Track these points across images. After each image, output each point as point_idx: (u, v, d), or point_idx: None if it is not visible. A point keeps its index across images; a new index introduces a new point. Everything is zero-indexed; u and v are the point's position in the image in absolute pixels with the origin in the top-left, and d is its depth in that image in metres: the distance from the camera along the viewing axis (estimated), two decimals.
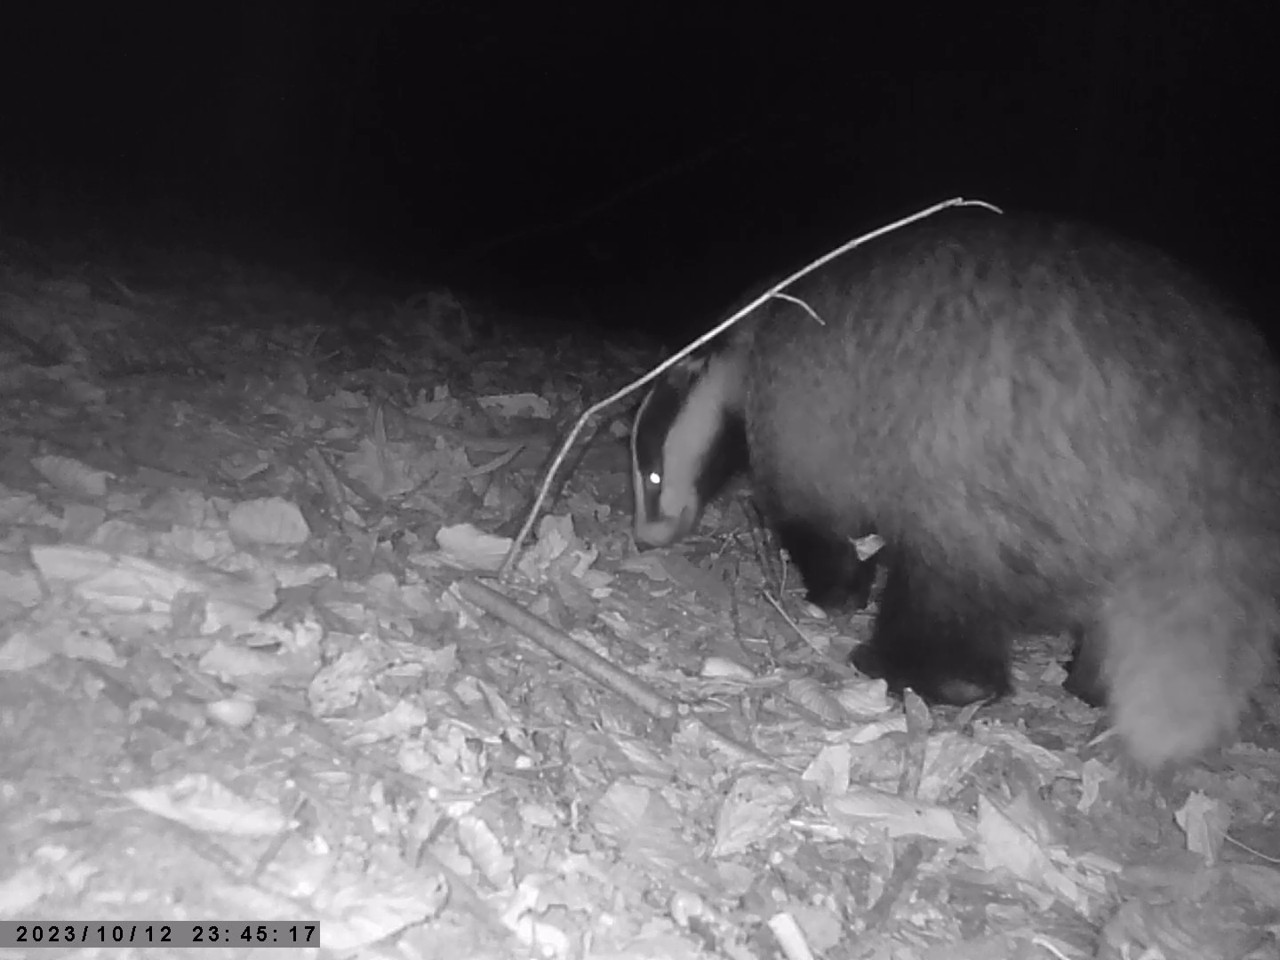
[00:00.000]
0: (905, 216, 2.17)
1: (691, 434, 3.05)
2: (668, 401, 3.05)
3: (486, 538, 2.55)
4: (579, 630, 2.31)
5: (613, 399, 2.42)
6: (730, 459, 3.11)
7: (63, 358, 3.23)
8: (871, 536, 2.69)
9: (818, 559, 2.99)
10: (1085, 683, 2.56)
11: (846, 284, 2.52)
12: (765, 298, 2.31)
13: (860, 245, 2.25)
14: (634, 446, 3.12)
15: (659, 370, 2.44)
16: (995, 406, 2.16)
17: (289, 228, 8.48)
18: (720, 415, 3.03)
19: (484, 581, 2.32)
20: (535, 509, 2.33)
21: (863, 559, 2.78)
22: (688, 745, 1.98)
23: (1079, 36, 9.42)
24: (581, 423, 2.34)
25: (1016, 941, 1.60)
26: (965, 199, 2.04)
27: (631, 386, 2.42)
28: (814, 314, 2.34)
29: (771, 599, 2.83)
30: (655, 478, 3.06)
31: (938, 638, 2.36)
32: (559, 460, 2.32)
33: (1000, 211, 2.11)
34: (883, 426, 2.36)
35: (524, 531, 2.38)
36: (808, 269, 2.30)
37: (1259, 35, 8.10)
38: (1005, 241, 2.29)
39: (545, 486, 2.31)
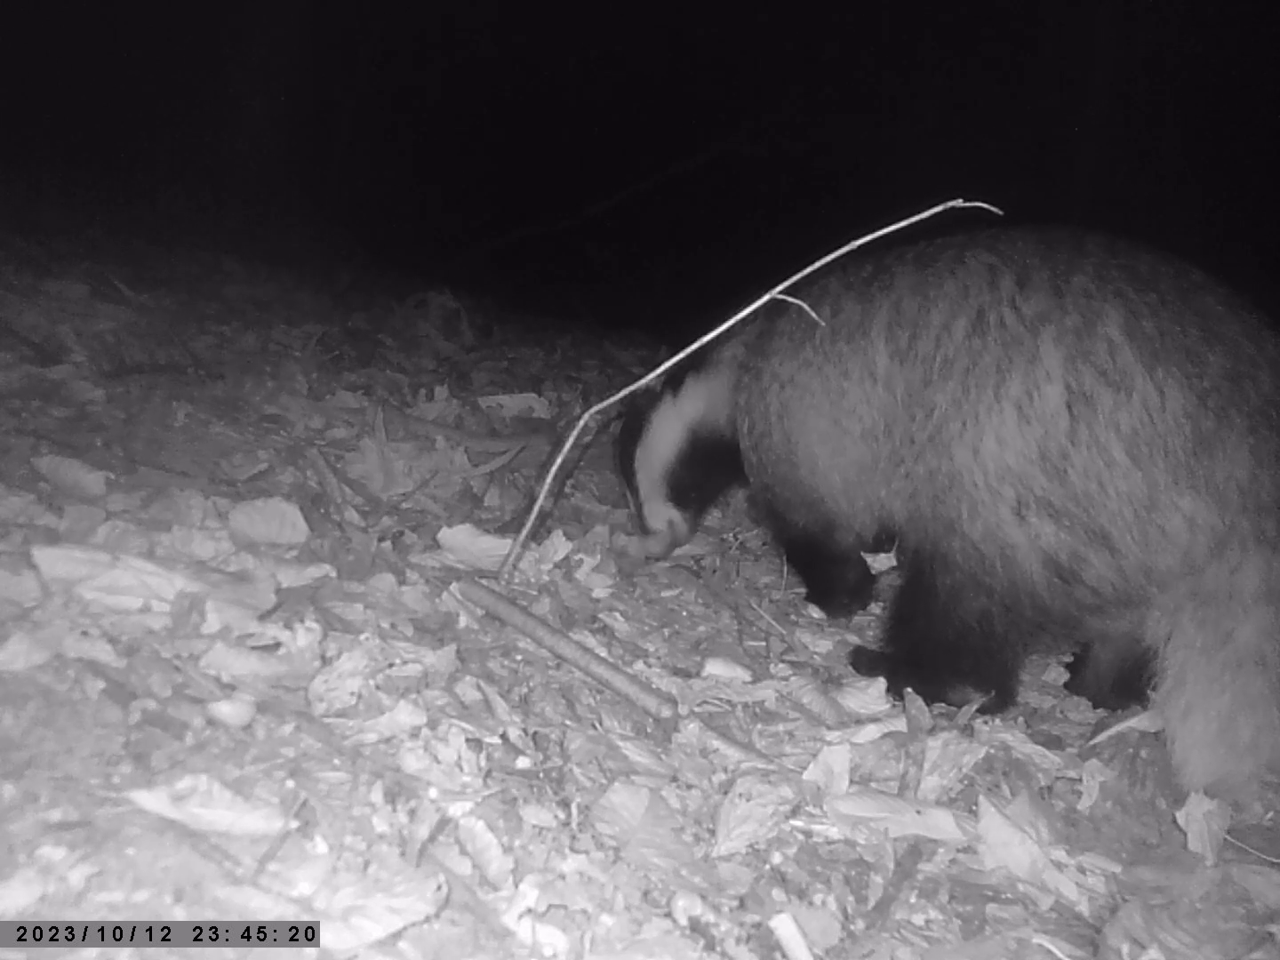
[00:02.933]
0: (904, 218, 2.16)
1: (655, 453, 3.06)
2: (634, 421, 3.09)
3: (487, 538, 2.55)
4: (579, 630, 2.31)
5: (613, 399, 2.41)
6: (712, 472, 3.11)
7: (63, 358, 3.24)
8: (884, 555, 2.66)
9: (823, 568, 2.96)
10: (1097, 688, 2.57)
11: (867, 292, 2.49)
12: (766, 299, 2.29)
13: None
14: (617, 464, 3.20)
15: (659, 371, 2.42)
16: (1049, 413, 2.14)
17: (289, 228, 8.48)
18: (687, 432, 3.02)
19: (484, 581, 2.32)
20: (535, 509, 2.33)
21: (874, 572, 2.76)
22: (688, 745, 1.98)
23: (1079, 37, 9.42)
24: (582, 423, 2.34)
25: (1016, 941, 1.60)
26: (965, 200, 2.03)
27: (632, 387, 2.42)
28: (815, 316, 2.33)
29: (758, 606, 2.83)
30: (631, 495, 3.14)
31: (963, 644, 2.33)
32: (559, 461, 2.32)
33: (1000, 213, 2.10)
34: (921, 433, 2.32)
35: (524, 532, 2.38)
36: (805, 271, 2.27)
37: (1259, 35, 8.10)
38: (1040, 252, 2.27)
39: (546, 487, 2.31)
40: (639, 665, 2.26)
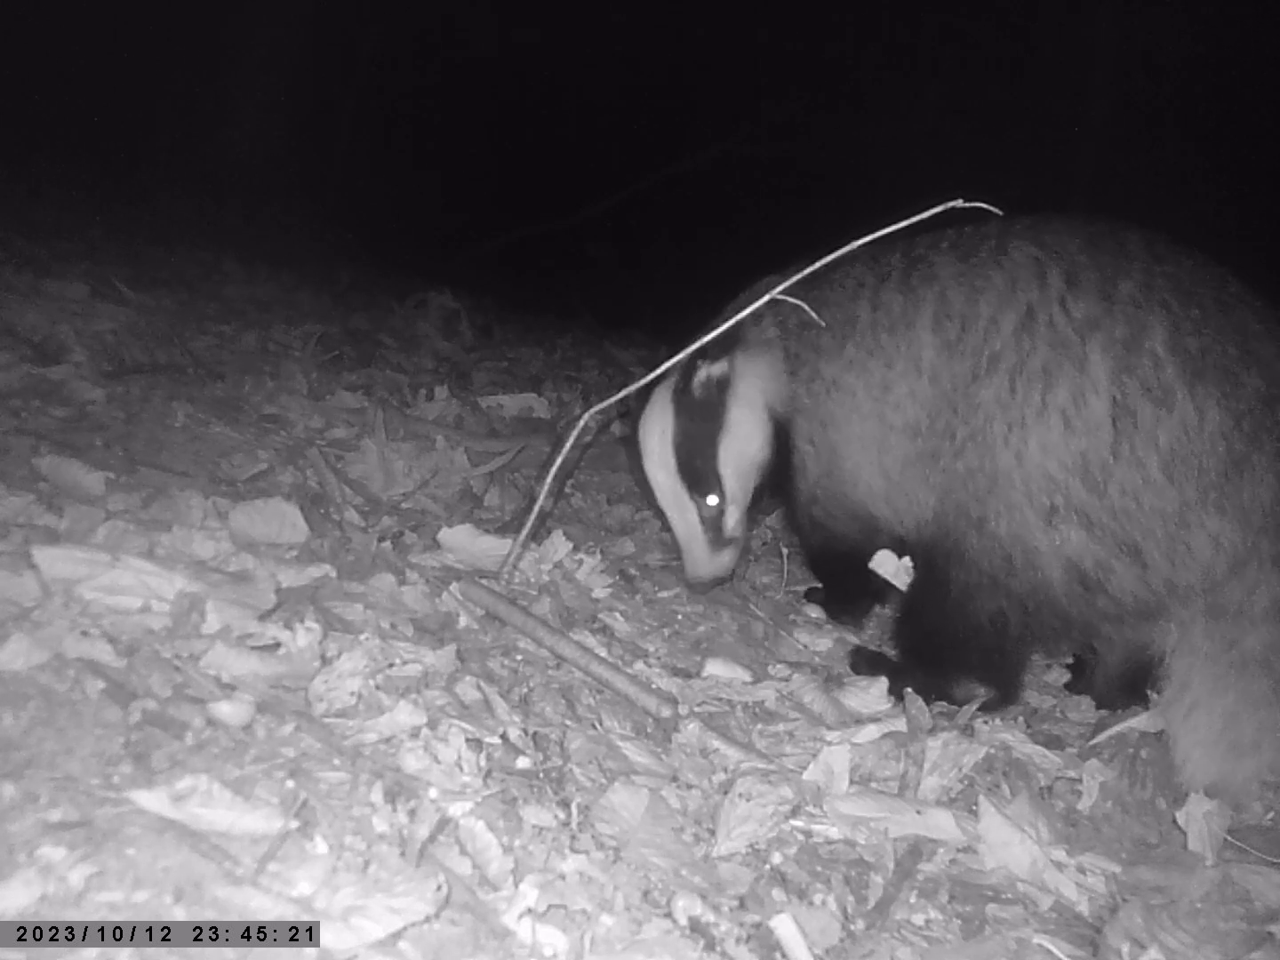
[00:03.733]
0: (905, 217, 2.16)
1: (747, 441, 2.65)
2: (704, 415, 2.62)
3: (487, 538, 2.55)
4: (579, 630, 2.31)
5: (613, 399, 2.41)
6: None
7: (63, 358, 3.23)
8: (904, 565, 2.61)
9: (854, 576, 2.85)
10: (1103, 689, 2.58)
11: (907, 283, 2.43)
12: (766, 299, 2.29)
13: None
14: (669, 475, 2.66)
15: (660, 370, 2.42)
16: (1094, 425, 2.15)
17: (289, 228, 8.48)
18: (769, 416, 2.66)
19: (484, 581, 2.32)
20: (536, 509, 2.33)
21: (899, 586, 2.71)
22: (688, 745, 1.98)
23: (1079, 37, 9.42)
24: (582, 423, 2.34)
25: (1016, 941, 1.60)
26: (966, 200, 2.03)
27: (632, 387, 2.42)
28: (815, 316, 2.31)
29: (757, 607, 2.84)
30: (713, 499, 2.64)
31: (973, 642, 2.34)
32: (559, 461, 2.32)
33: (1000, 213, 2.11)
34: (963, 429, 2.29)
35: (525, 532, 2.38)
36: (808, 270, 2.28)
37: (1258, 34, 8.10)
38: (1085, 249, 2.27)
39: (546, 487, 2.31)
40: (639, 665, 2.27)
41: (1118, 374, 2.14)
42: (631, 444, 2.78)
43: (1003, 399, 2.23)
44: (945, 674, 2.39)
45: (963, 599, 2.31)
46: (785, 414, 2.63)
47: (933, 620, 2.39)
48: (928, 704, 2.26)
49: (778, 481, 2.73)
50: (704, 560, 2.68)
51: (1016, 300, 2.26)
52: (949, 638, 2.36)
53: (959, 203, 2.03)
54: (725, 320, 2.42)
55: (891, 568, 2.63)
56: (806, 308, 2.28)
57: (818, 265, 2.26)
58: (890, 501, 2.54)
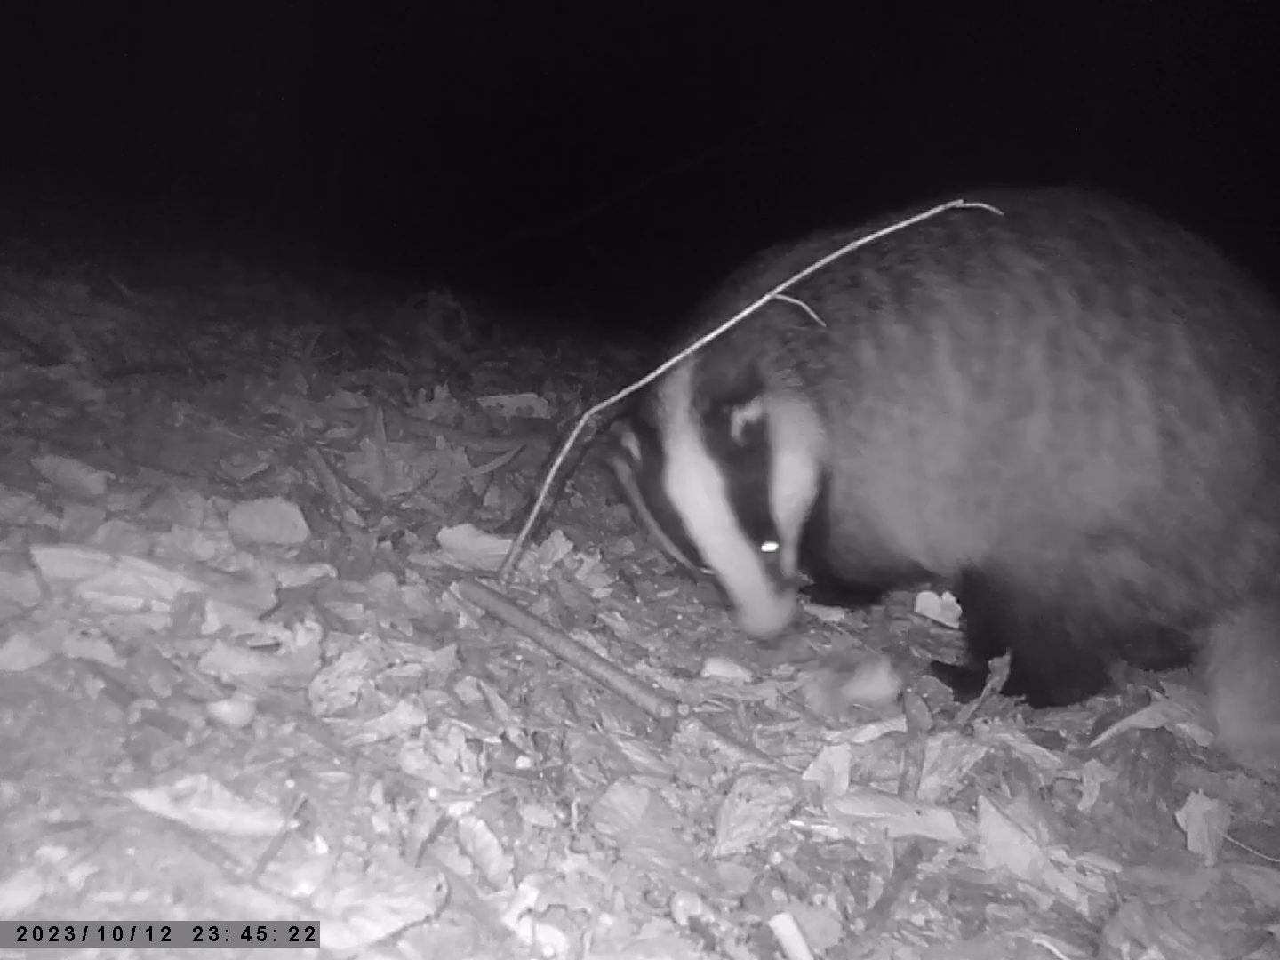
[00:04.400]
0: (904, 217, 2.16)
1: (799, 483, 2.43)
2: (751, 462, 2.37)
3: (487, 538, 2.55)
4: (579, 630, 2.31)
5: (613, 400, 2.40)
6: None
7: (63, 358, 3.23)
8: (947, 603, 2.61)
9: (877, 594, 2.92)
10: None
11: (907, 311, 2.32)
12: (765, 299, 2.26)
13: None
14: (726, 530, 2.39)
15: (659, 371, 2.40)
16: (1144, 457, 2.17)
17: (289, 228, 8.47)
18: (812, 457, 2.44)
19: (484, 582, 2.33)
20: (536, 509, 2.33)
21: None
22: (688, 745, 1.98)
23: (1079, 36, 9.42)
24: (582, 423, 2.33)
25: (1016, 941, 1.60)
26: (966, 200, 2.03)
27: (632, 387, 2.40)
28: (816, 317, 2.23)
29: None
30: (771, 545, 2.42)
31: (1058, 660, 2.42)
32: (559, 461, 2.31)
33: (1000, 214, 2.10)
34: (1008, 470, 2.26)
35: (524, 532, 2.38)
36: (805, 273, 2.21)
37: (1258, 34, 8.10)
38: (1081, 253, 2.24)
39: (546, 487, 2.31)
40: (640, 665, 2.27)
41: (1156, 399, 2.16)
42: (648, 490, 2.46)
43: (1050, 439, 2.21)
44: (1040, 689, 2.46)
45: (1035, 633, 2.37)
46: (824, 459, 2.46)
47: (1018, 653, 2.40)
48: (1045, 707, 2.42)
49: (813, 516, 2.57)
50: (772, 609, 2.44)
51: (1036, 327, 2.22)
52: (1038, 663, 2.41)
53: (959, 203, 2.03)
54: (724, 321, 2.35)
55: (937, 609, 2.63)
56: (806, 307, 2.20)
57: (818, 265, 2.23)
58: (932, 550, 2.48)
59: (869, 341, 2.35)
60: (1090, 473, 2.19)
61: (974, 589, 2.47)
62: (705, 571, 2.49)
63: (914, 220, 2.12)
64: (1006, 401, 2.24)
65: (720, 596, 2.53)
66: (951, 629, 2.85)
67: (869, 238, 2.14)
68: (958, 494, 2.33)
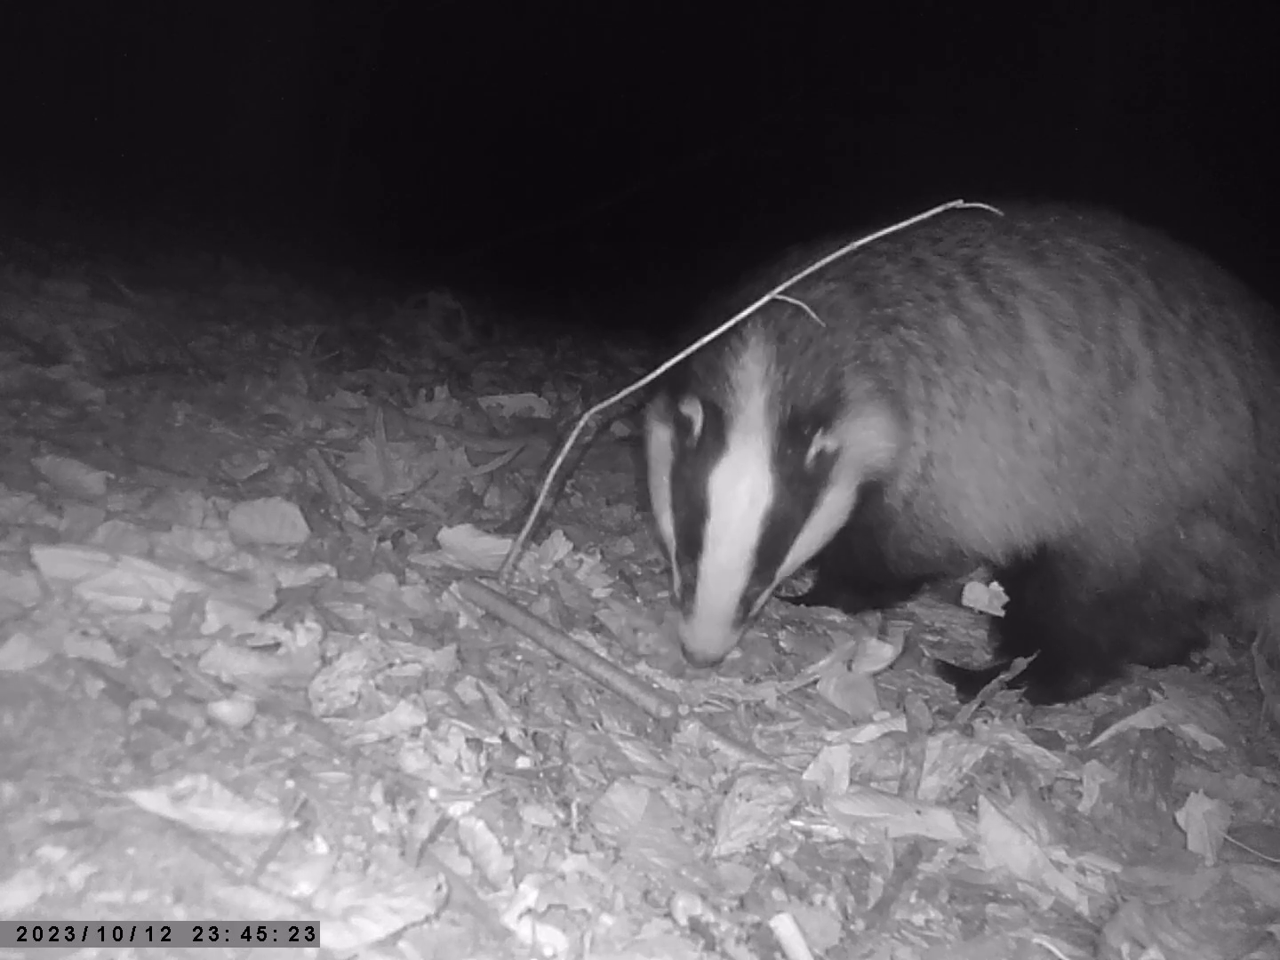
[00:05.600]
0: (905, 217, 2.15)
1: (835, 519, 2.32)
2: (802, 490, 2.22)
3: (487, 538, 2.55)
4: (579, 630, 2.31)
5: (613, 400, 2.39)
6: None
7: (63, 358, 3.23)
8: (994, 592, 2.62)
9: (909, 590, 2.93)
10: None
11: (987, 291, 2.33)
12: (767, 299, 2.23)
13: (937, 244, 2.33)
14: (742, 549, 2.22)
15: (660, 371, 2.37)
16: (1241, 425, 2.34)
17: (289, 228, 8.47)
18: (860, 483, 2.33)
19: (484, 581, 2.32)
20: (536, 509, 2.33)
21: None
22: (688, 745, 1.98)
23: (1079, 37, 9.42)
24: (582, 423, 2.33)
25: (1016, 941, 1.60)
26: (966, 200, 2.03)
27: (631, 388, 2.39)
28: (811, 312, 2.18)
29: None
30: (764, 578, 2.30)
31: (1098, 645, 2.53)
32: (559, 461, 2.31)
33: (1000, 213, 2.13)
34: (1122, 436, 2.33)
35: (525, 531, 2.37)
36: (809, 270, 2.21)
37: (1258, 33, 8.10)
38: (1128, 240, 2.39)
39: (546, 487, 2.31)
40: (640, 666, 2.27)
41: (1241, 373, 2.33)
42: (686, 467, 2.26)
43: (1161, 405, 2.32)
44: (1063, 678, 2.54)
45: (1096, 608, 2.44)
46: (889, 470, 2.35)
47: (1058, 633, 2.48)
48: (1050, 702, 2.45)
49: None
50: (721, 639, 2.30)
51: (1125, 305, 2.34)
52: (1075, 645, 2.50)
53: (959, 203, 2.03)
54: (728, 317, 2.24)
55: (986, 599, 2.62)
56: (806, 307, 2.18)
57: (821, 264, 2.21)
58: (1005, 531, 2.45)
59: (954, 319, 2.35)
60: (1201, 438, 2.32)
61: (1030, 573, 2.50)
62: (679, 566, 2.31)
63: (913, 221, 2.12)
64: (1109, 372, 2.33)
65: (675, 593, 2.35)
66: (953, 630, 2.85)
67: (894, 228, 2.13)
68: (1057, 463, 2.36)
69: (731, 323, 2.25)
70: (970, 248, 2.40)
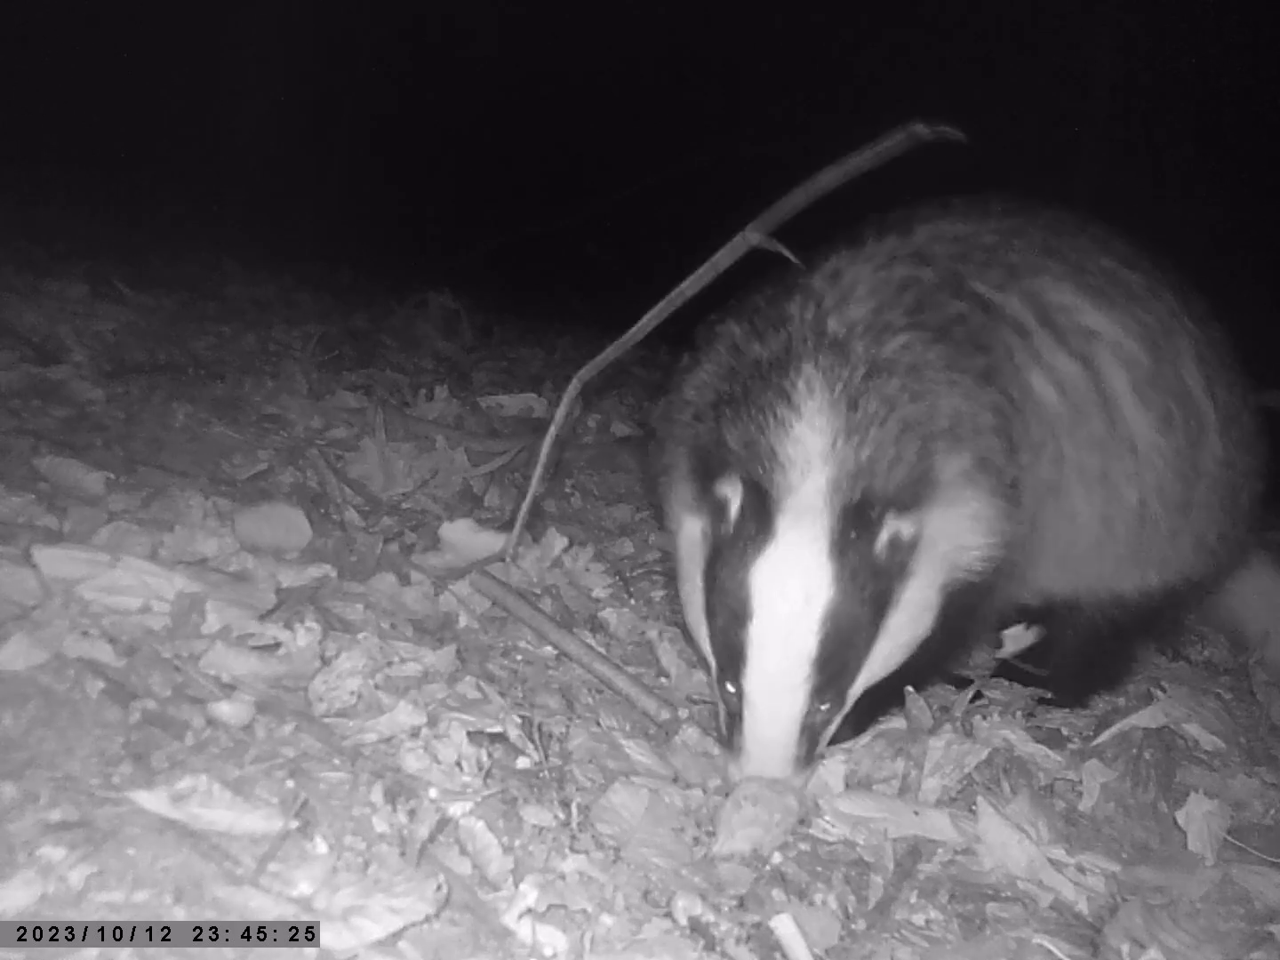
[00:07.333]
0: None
1: (917, 624, 1.90)
2: (873, 585, 1.78)
3: (487, 533, 2.55)
4: (579, 630, 2.31)
5: (602, 360, 2.36)
6: None
7: (63, 358, 3.24)
8: (1029, 631, 2.57)
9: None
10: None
11: (1065, 343, 2.14)
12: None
13: (987, 270, 2.12)
14: (796, 659, 1.75)
15: (644, 321, 2.26)
16: (1256, 434, 2.46)
17: (289, 228, 8.47)
18: (947, 582, 1.94)
19: (491, 570, 2.33)
20: (535, 481, 2.30)
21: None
22: (689, 745, 1.97)
23: (1079, 37, 9.42)
24: (574, 391, 2.32)
25: (1016, 941, 1.60)
26: (928, 126, 1.92)
27: (616, 346, 2.35)
28: (795, 259, 2.03)
29: None
30: (832, 701, 1.81)
31: (1124, 665, 2.63)
32: (554, 431, 2.30)
33: (964, 139, 1.94)
34: (1199, 496, 2.30)
35: (524, 510, 2.35)
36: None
37: (1259, 33, 8.11)
38: (1129, 252, 2.33)
39: (543, 457, 2.29)
40: (639, 666, 2.26)
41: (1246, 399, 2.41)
42: (722, 561, 1.82)
43: (1224, 458, 2.34)
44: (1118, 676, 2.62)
45: (1142, 630, 2.56)
46: (984, 570, 1.99)
47: (1108, 666, 2.59)
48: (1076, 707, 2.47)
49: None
50: (785, 772, 1.81)
51: (1183, 348, 2.27)
52: (1109, 669, 2.59)
53: (921, 128, 1.94)
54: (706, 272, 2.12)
55: (1029, 638, 2.64)
56: (786, 251, 2.02)
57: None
58: (1076, 592, 2.42)
59: (1041, 376, 2.11)
60: (1252, 481, 2.41)
61: (1072, 617, 2.47)
62: (721, 691, 1.85)
63: (875, 149, 2.03)
64: (1185, 431, 2.24)
65: (721, 729, 1.90)
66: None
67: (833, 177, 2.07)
68: (1140, 536, 2.23)
69: (707, 265, 2.11)
70: (1024, 278, 2.15)
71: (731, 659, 1.78)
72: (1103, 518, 2.18)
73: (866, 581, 1.76)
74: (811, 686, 1.75)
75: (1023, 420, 2.02)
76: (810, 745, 1.83)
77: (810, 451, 1.82)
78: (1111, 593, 2.39)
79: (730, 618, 1.78)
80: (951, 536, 1.90)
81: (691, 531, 1.93)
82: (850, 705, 1.87)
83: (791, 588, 1.74)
